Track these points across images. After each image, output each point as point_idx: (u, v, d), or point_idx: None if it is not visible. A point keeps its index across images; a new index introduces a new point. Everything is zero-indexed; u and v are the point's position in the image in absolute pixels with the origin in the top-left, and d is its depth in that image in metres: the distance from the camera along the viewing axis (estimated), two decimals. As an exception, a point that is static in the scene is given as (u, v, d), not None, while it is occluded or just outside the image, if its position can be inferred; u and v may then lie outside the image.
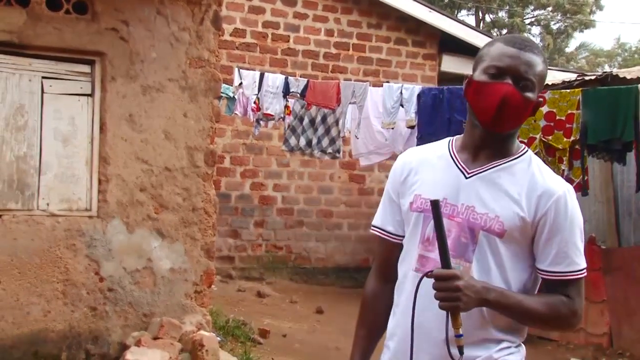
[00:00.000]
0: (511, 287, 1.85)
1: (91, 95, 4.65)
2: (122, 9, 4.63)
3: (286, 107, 7.45)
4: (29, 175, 4.50)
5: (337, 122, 7.48)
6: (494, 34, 19.56)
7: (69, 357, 4.47)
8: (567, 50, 25.13)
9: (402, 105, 7.13)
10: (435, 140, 2.07)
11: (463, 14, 23.57)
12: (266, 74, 7.51)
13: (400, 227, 2.00)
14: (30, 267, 4.40)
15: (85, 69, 4.66)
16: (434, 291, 1.74)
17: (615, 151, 6.23)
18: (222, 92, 5.68)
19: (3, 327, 4.32)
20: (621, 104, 6.02)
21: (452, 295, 1.71)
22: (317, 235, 9.25)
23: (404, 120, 7.18)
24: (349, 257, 9.37)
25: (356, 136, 7.57)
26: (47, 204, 4.53)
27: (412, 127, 7.16)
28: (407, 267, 1.93)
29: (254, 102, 7.35)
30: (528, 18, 23.50)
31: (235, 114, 7.61)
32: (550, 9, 22.62)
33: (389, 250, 2.04)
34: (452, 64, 9.73)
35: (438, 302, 1.73)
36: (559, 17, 23.11)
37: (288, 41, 9.15)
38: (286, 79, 7.48)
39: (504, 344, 1.86)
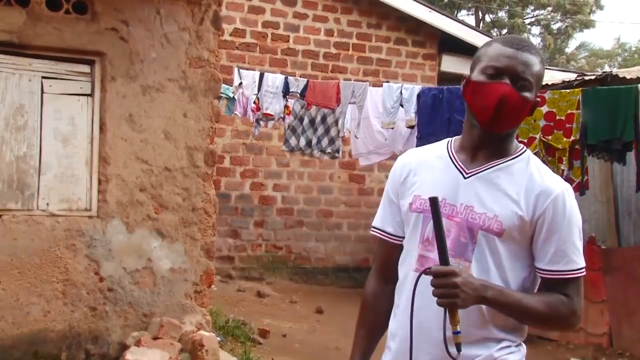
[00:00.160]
0: (510, 286, 1.85)
1: (91, 95, 4.66)
2: (122, 9, 4.63)
3: (286, 107, 7.44)
4: (28, 175, 4.50)
5: (336, 122, 7.47)
6: (494, 34, 19.57)
7: (69, 357, 4.47)
8: (567, 50, 25.13)
9: (401, 105, 7.13)
10: (435, 140, 2.08)
11: (463, 14, 23.58)
12: (266, 74, 7.51)
13: (400, 228, 2.02)
14: (30, 267, 4.40)
15: (85, 69, 4.66)
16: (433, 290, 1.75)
17: (615, 151, 6.23)
18: (221, 92, 5.68)
19: (3, 327, 4.32)
20: (621, 104, 6.03)
21: (449, 291, 1.72)
22: (317, 235, 9.25)
23: (404, 120, 7.18)
24: (348, 257, 9.37)
25: (356, 136, 7.57)
26: (47, 204, 4.53)
27: (411, 127, 7.16)
28: (407, 268, 1.94)
29: (254, 102, 7.35)
30: (528, 18, 23.50)
31: (235, 114, 7.60)
32: (550, 9, 22.62)
33: (389, 251, 2.05)
34: (452, 64, 9.73)
35: (436, 299, 1.74)
36: (558, 17, 23.11)
37: (288, 41, 9.15)
38: (286, 79, 7.48)
39: (505, 343, 1.87)
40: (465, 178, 1.90)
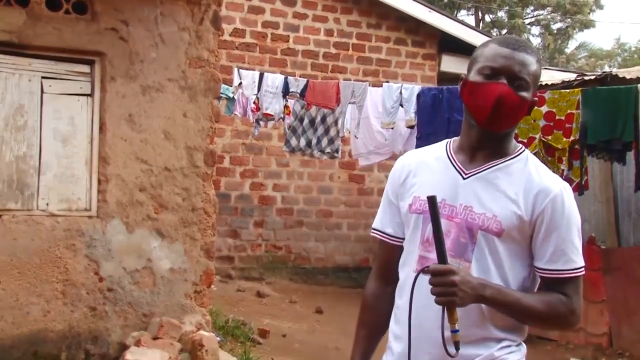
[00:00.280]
0: (510, 285, 1.86)
1: (91, 95, 4.66)
2: (121, 9, 4.63)
3: (286, 107, 7.44)
4: (28, 175, 4.50)
5: (336, 122, 7.47)
6: (494, 34, 19.56)
7: (69, 357, 4.47)
8: (567, 50, 25.12)
9: (401, 105, 7.13)
10: (434, 140, 2.10)
11: (463, 14, 23.58)
12: (266, 74, 7.51)
13: (400, 229, 2.02)
14: (30, 267, 4.40)
15: (85, 69, 4.66)
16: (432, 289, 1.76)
17: (615, 151, 6.23)
18: (221, 92, 5.68)
19: (3, 327, 4.32)
20: (621, 104, 6.03)
21: (448, 290, 1.72)
22: (316, 235, 9.25)
23: (404, 120, 7.18)
24: (348, 257, 9.37)
25: (356, 136, 7.57)
26: (47, 204, 4.53)
27: (411, 127, 7.17)
28: (408, 269, 1.95)
29: (254, 102, 7.35)
30: (528, 18, 23.50)
31: (235, 114, 7.60)
32: (550, 9, 22.61)
33: (389, 253, 2.05)
34: (451, 64, 9.73)
35: (434, 297, 1.74)
36: (558, 18, 23.11)
37: (287, 41, 9.15)
38: (286, 79, 7.48)
39: (505, 343, 1.87)
40: (464, 179, 1.91)
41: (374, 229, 2.09)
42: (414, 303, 1.83)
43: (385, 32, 9.66)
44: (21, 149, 4.48)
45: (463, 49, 9.33)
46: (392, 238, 2.04)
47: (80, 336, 4.51)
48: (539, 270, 1.87)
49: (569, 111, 6.22)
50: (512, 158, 1.91)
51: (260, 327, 6.32)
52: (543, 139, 6.30)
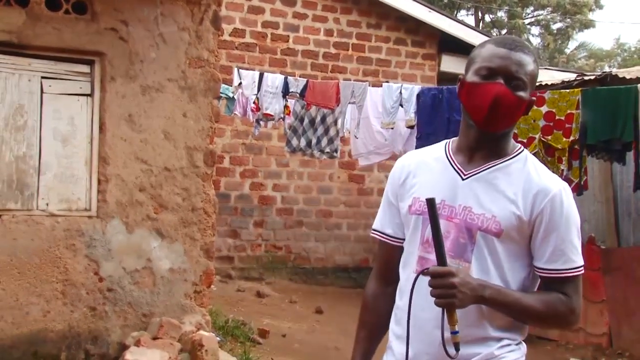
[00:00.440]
0: (510, 285, 1.87)
1: (90, 95, 4.65)
2: (121, 9, 4.63)
3: (285, 107, 7.44)
4: (28, 175, 4.50)
5: (335, 122, 7.47)
6: (494, 34, 19.56)
7: (69, 357, 4.47)
8: (567, 51, 25.12)
9: (401, 105, 7.14)
10: (434, 140, 2.11)
11: (462, 14, 23.58)
12: (265, 74, 7.51)
13: (400, 229, 2.03)
14: (30, 267, 4.40)
15: (85, 69, 4.66)
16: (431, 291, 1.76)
17: (614, 151, 6.23)
18: (221, 92, 5.68)
19: (2, 327, 4.32)
20: (621, 104, 6.03)
21: (447, 292, 1.73)
22: (316, 235, 9.25)
23: (404, 120, 7.18)
24: (348, 257, 9.37)
25: (355, 136, 7.57)
26: (47, 204, 4.53)
27: (411, 127, 7.17)
28: (408, 270, 1.95)
29: (254, 102, 7.35)
30: (528, 18, 23.50)
31: (235, 114, 7.60)
32: (550, 9, 22.61)
33: (389, 253, 2.06)
34: (451, 64, 9.73)
35: (434, 299, 1.75)
36: (558, 18, 23.11)
37: (287, 41, 9.15)
38: (285, 79, 7.48)
39: (505, 342, 1.88)
40: (463, 179, 1.91)
41: (374, 230, 2.10)
42: (413, 304, 1.84)
43: (385, 32, 9.66)
44: (21, 149, 4.48)
45: (463, 49, 9.33)
46: (392, 239, 2.05)
47: (80, 336, 4.51)
48: (539, 270, 1.88)
49: (568, 111, 6.22)
50: (510, 158, 1.91)
51: (260, 327, 6.33)
52: (543, 139, 6.30)
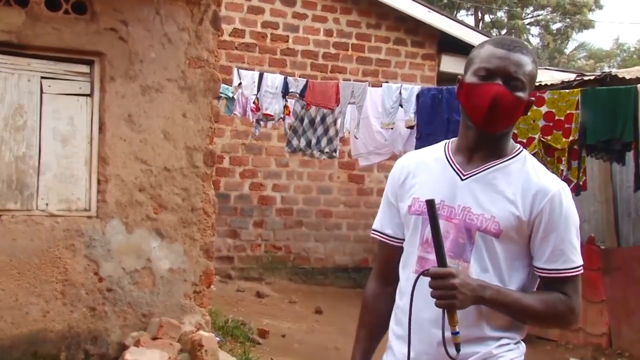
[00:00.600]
0: (509, 285, 1.87)
1: (90, 95, 4.65)
2: (121, 9, 4.63)
3: (285, 107, 7.45)
4: (28, 175, 4.50)
5: (335, 122, 7.47)
6: (494, 34, 19.57)
7: (68, 357, 4.47)
8: (566, 51, 25.12)
9: (401, 106, 7.13)
10: (434, 140, 2.12)
11: (462, 14, 23.58)
12: (265, 74, 7.51)
13: (399, 230, 2.04)
14: (29, 267, 4.40)
15: (84, 69, 4.66)
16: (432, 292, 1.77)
17: (614, 151, 6.23)
18: (221, 93, 5.68)
19: (2, 327, 4.32)
20: (620, 104, 6.03)
21: (448, 293, 1.74)
22: (316, 236, 9.25)
23: (403, 121, 7.18)
24: (348, 257, 9.37)
25: (355, 136, 7.57)
26: (46, 204, 4.53)
27: (411, 127, 7.17)
28: (408, 270, 1.96)
29: (253, 103, 7.35)
30: (527, 19, 23.50)
31: (235, 114, 7.60)
32: (549, 9, 22.62)
33: (389, 253, 2.07)
34: (451, 64, 9.72)
35: (435, 300, 1.76)
36: (558, 18, 23.12)
37: (287, 41, 9.15)
38: (285, 79, 7.48)
39: (504, 341, 1.89)
40: (462, 180, 1.92)
41: (373, 230, 2.11)
42: (414, 305, 1.84)
43: (385, 32, 9.66)
44: (20, 149, 4.48)
45: (463, 49, 9.32)
46: (391, 239, 2.05)
47: (79, 336, 4.51)
48: (538, 270, 1.88)
49: (568, 111, 6.22)
50: (510, 158, 1.92)
51: (259, 327, 6.33)
52: (542, 139, 6.30)
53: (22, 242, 4.38)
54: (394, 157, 6.89)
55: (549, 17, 23.24)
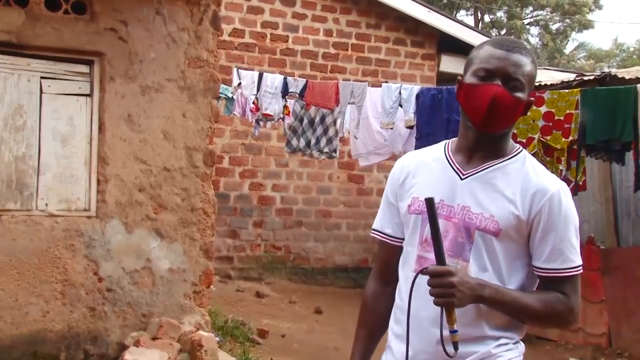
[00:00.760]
0: (508, 285, 1.87)
1: (90, 95, 4.65)
2: (120, 9, 4.63)
3: (285, 107, 7.45)
4: (27, 175, 4.50)
5: (334, 122, 7.48)
6: (493, 34, 19.57)
7: (68, 357, 4.47)
8: (566, 51, 25.13)
9: (400, 106, 7.14)
10: (434, 140, 2.13)
11: (462, 14, 23.59)
12: (265, 74, 7.51)
13: (399, 229, 2.04)
14: (29, 268, 4.40)
15: (84, 69, 4.66)
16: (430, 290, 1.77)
17: (614, 151, 6.23)
18: (220, 93, 5.67)
19: (2, 327, 4.32)
20: (620, 104, 6.03)
21: (446, 291, 1.74)
22: (316, 236, 9.25)
23: (403, 121, 7.18)
24: (347, 257, 9.37)
25: (355, 136, 7.57)
26: (46, 204, 4.53)
27: (410, 127, 7.17)
28: (407, 269, 1.96)
29: (253, 103, 7.35)
30: (527, 19, 23.51)
31: (234, 114, 7.60)
32: (549, 9, 22.63)
33: (389, 253, 2.07)
34: (451, 64, 9.73)
35: (433, 298, 1.76)
36: (557, 18, 23.12)
37: (287, 41, 9.15)
38: (285, 79, 7.48)
39: (502, 341, 1.89)
40: (462, 179, 1.92)
41: (373, 230, 2.12)
42: (412, 303, 1.85)
43: (385, 32, 9.66)
44: (20, 149, 4.48)
45: (462, 49, 9.33)
46: (391, 238, 2.06)
47: (79, 336, 4.51)
48: (537, 270, 1.89)
49: (567, 111, 6.22)
50: (509, 158, 1.93)
51: (259, 327, 6.32)
52: (542, 139, 6.30)
53: (22, 242, 4.38)
54: (394, 157, 6.89)
55: (548, 17, 23.25)
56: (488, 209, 1.86)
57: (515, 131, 5.90)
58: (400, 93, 7.14)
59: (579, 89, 6.48)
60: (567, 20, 22.69)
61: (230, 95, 7.28)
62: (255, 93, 7.33)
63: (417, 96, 7.06)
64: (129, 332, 4.59)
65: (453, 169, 1.94)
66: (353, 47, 9.49)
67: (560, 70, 11.02)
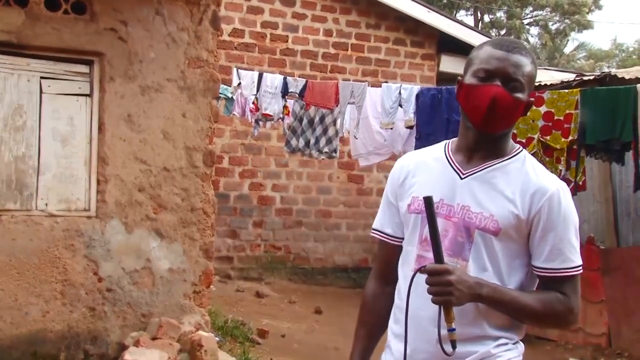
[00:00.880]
0: (508, 284, 1.87)
1: (90, 95, 4.65)
2: (120, 9, 4.63)
3: (285, 107, 7.45)
4: (27, 175, 4.50)
5: (334, 122, 7.48)
6: (493, 34, 19.57)
7: (68, 357, 4.47)
8: (565, 51, 25.13)
9: (400, 106, 7.14)
10: (433, 140, 2.13)
11: (462, 14, 23.59)
12: (265, 74, 7.51)
13: (399, 229, 2.04)
14: (29, 268, 4.40)
15: (84, 69, 4.66)
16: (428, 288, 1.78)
17: (613, 151, 6.23)
18: (220, 93, 5.67)
19: (2, 327, 4.32)
20: (620, 104, 6.03)
21: (444, 289, 1.75)
22: (315, 236, 9.25)
23: (403, 121, 7.18)
24: (347, 258, 9.37)
25: (355, 137, 7.56)
26: (46, 204, 4.53)
27: (410, 127, 7.17)
28: (407, 269, 1.96)
29: (253, 103, 7.35)
30: (526, 19, 23.51)
31: (234, 114, 7.60)
32: (549, 9, 22.63)
33: (389, 253, 2.08)
34: (450, 64, 9.73)
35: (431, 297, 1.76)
36: (557, 18, 23.12)
37: (287, 41, 9.15)
38: (285, 79, 7.48)
39: (502, 341, 1.89)
40: (461, 179, 1.93)
41: (373, 230, 2.12)
42: (411, 302, 1.85)
43: (384, 32, 9.66)
44: (20, 149, 4.48)
45: (462, 49, 9.33)
46: (391, 238, 2.06)
47: (79, 336, 4.51)
48: (537, 269, 1.89)
49: (567, 111, 6.22)
50: (509, 158, 1.93)
51: (259, 327, 6.32)
52: (541, 139, 6.30)
53: (22, 242, 4.38)
54: (394, 157, 6.89)
55: (547, 17, 23.25)
56: (488, 209, 1.86)
57: (515, 131, 5.90)
58: (400, 93, 7.14)
59: (578, 89, 6.48)
60: (567, 20, 22.70)
61: (230, 95, 7.28)
62: (255, 93, 7.33)
63: (417, 96, 7.06)
64: (128, 332, 4.59)
65: (453, 168, 1.95)
66: (353, 47, 9.49)
67: (560, 70, 11.02)
